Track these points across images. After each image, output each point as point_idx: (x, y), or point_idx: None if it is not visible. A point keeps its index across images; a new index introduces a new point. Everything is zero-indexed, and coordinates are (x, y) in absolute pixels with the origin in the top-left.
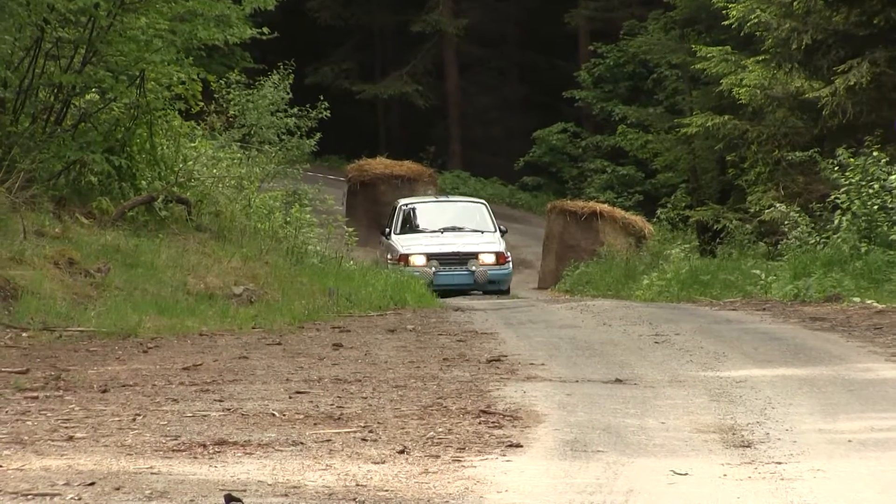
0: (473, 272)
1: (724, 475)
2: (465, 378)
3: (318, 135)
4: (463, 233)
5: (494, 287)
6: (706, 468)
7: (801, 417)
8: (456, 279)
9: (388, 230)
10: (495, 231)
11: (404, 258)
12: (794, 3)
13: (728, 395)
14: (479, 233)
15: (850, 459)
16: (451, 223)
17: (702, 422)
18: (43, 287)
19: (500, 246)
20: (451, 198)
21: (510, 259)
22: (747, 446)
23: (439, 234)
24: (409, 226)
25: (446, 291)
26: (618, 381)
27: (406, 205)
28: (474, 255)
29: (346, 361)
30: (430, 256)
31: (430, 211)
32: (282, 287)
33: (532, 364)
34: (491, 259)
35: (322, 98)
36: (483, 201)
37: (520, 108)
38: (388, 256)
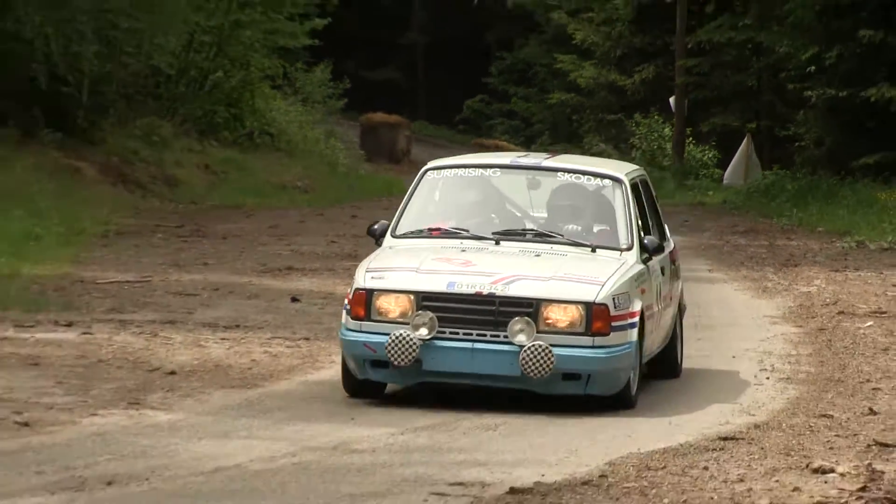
0: (519, 350)
1: None
2: None
3: None
4: (548, 244)
5: (573, 389)
6: None
7: None
8: (477, 363)
9: (384, 225)
10: (632, 246)
11: (361, 299)
12: None
13: None
14: (587, 249)
15: None
16: (538, 224)
17: None
18: None
19: (610, 287)
20: (546, 160)
21: (636, 321)
22: None
23: (494, 245)
24: (439, 220)
25: (455, 387)
26: None
27: (440, 170)
28: (528, 305)
29: None
30: (421, 298)
31: (502, 188)
32: None
33: None
34: (570, 315)
35: None
36: (622, 176)
37: None
38: (348, 296)
